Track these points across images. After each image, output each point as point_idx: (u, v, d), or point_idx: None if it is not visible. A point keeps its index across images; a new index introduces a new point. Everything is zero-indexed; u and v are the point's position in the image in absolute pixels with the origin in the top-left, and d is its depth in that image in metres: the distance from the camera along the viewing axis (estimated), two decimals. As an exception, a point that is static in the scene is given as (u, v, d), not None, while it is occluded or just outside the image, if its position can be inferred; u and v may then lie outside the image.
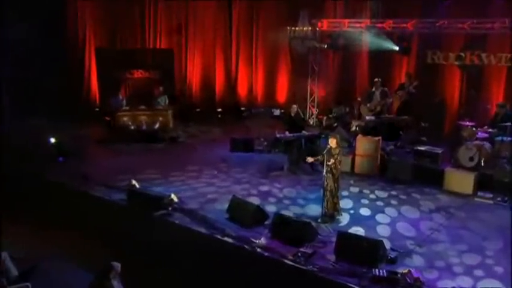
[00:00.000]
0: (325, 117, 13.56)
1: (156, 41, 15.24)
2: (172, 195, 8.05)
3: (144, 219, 7.65)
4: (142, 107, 12.44)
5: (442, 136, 11.30)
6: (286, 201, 8.33)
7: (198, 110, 15.14)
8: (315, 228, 6.91)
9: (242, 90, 15.97)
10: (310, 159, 7.77)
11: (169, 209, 7.79)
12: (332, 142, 7.41)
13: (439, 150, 9.63)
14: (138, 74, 14.27)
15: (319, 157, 7.59)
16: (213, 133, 13.31)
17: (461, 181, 8.91)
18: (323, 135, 10.52)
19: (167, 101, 12.92)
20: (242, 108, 15.17)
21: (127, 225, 7.65)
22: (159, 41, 15.28)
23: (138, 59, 14.38)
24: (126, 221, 7.80)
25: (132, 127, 12.08)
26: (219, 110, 15.24)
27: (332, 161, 7.31)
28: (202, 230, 7.17)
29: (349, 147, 10.46)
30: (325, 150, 7.42)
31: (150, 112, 12.36)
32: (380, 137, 10.11)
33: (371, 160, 9.96)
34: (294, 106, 10.92)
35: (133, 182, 8.60)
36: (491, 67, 11.20)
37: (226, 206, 7.76)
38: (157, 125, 12.28)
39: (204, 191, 8.71)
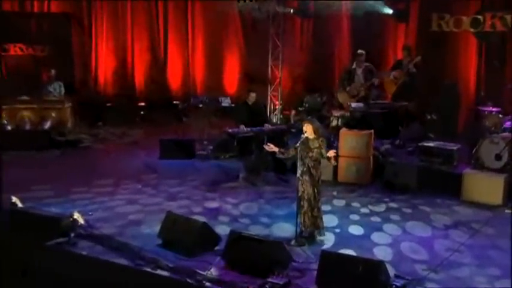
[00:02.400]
0: (293, 112, 13.70)
1: (44, 1, 14.96)
2: (76, 215, 7.83)
3: (33, 250, 7.35)
4: (25, 97, 12.19)
5: (457, 128, 11.70)
6: (244, 220, 8.38)
7: (109, 104, 15.13)
8: (288, 252, 6.88)
9: (174, 77, 16.04)
10: (271, 147, 7.74)
11: (71, 235, 7.57)
12: (308, 129, 7.45)
13: (454, 147, 9.91)
14: (17, 50, 13.96)
15: (290, 150, 7.65)
16: (134, 135, 13.33)
17: (486, 187, 9.18)
18: (293, 129, 10.61)
19: (63, 91, 12.75)
20: (175, 102, 15.18)
21: (7, 261, 7.32)
22: (48, 1, 15.02)
23: (16, 27, 14.02)
24: (5, 255, 7.46)
25: (10, 127, 11.78)
26: (141, 104, 15.31)
27: (311, 155, 7.34)
28: (124, 262, 6.99)
29: (328, 147, 10.56)
30: (299, 142, 7.44)
31: (37, 105, 12.22)
32: (372, 131, 10.33)
33: (360, 163, 10.12)
34: (253, 93, 10.99)
35: (14, 199, 8.37)
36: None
37: (157, 228, 7.66)
38: (48, 124, 12.12)
39: (124, 211, 8.70)
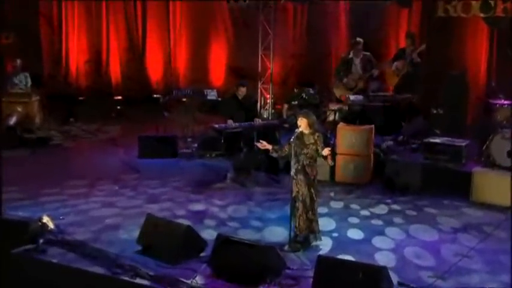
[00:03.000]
0: (286, 106, 13.67)
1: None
2: (45, 219, 7.85)
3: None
4: (-14, 90, 12.15)
5: (465, 123, 11.76)
6: (233, 224, 8.41)
7: (82, 98, 15.15)
8: (282, 258, 6.89)
9: (154, 68, 16.05)
10: (264, 144, 7.75)
11: (40, 241, 7.54)
12: (302, 123, 7.46)
13: (462, 143, 9.98)
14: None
15: (284, 147, 7.64)
16: (109, 132, 13.33)
17: (497, 187, 9.18)
18: (286, 125, 10.62)
19: (29, 82, 12.71)
20: (156, 95, 15.15)
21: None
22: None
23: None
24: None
25: (-32, 123, 11.72)
26: (118, 98, 15.30)
27: (306, 151, 7.36)
28: (99, 270, 6.98)
29: (325, 144, 10.58)
30: (293, 137, 7.44)
31: (1, 99, 12.02)
32: (372, 126, 10.37)
33: (360, 161, 10.16)
34: (243, 87, 10.99)
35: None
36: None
37: (136, 233, 7.66)
38: (13, 120, 12.07)
39: (99, 215, 8.71)
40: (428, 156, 10.05)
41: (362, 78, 12.13)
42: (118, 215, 8.69)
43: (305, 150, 7.42)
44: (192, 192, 9.67)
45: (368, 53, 12.32)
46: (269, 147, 7.75)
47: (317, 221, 7.68)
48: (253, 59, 14.43)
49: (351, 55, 12.33)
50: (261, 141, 7.86)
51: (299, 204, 7.48)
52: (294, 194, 7.48)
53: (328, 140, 10.79)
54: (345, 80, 12.22)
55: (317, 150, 7.47)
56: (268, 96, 14.47)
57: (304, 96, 13.19)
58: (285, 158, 7.93)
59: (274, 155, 7.88)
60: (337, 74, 12.53)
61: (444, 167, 9.82)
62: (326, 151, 7.46)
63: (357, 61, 12.26)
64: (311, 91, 13.40)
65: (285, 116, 13.30)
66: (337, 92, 12.39)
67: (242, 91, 10.99)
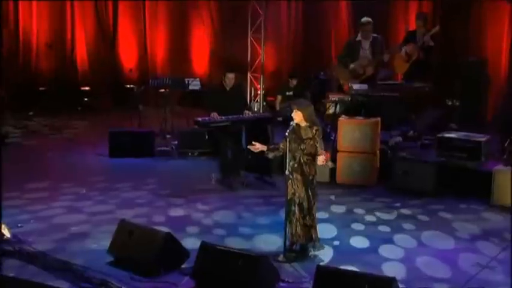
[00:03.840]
0: (279, 97, 13.68)
1: None
2: (3, 229, 7.84)
3: None
4: None
5: (485, 116, 11.79)
6: (219, 232, 8.43)
7: (42, 88, 15.19)
8: (276, 269, 6.89)
9: (127, 54, 16.12)
10: (257, 146, 7.75)
11: (-5, 253, 7.56)
12: (297, 116, 7.45)
13: (482, 138, 10.00)
14: None
15: (281, 145, 7.61)
16: (75, 128, 13.34)
17: (521, 188, 9.28)
18: (279, 118, 10.63)
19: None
20: (129, 85, 15.17)
21: None
22: None
23: None
24: None
25: None
26: (85, 88, 15.34)
27: (303, 147, 7.35)
28: (64, 285, 6.93)
29: (324, 139, 10.62)
30: (288, 131, 7.44)
31: None
32: (378, 119, 10.38)
33: (364, 160, 10.20)
34: (230, 74, 10.89)
35: None
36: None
37: (107, 242, 7.64)
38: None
39: (64, 222, 8.70)
40: (443, 154, 10.09)
41: (371, 64, 12.07)
42: (85, 221, 8.67)
43: (302, 146, 7.39)
44: (172, 196, 9.67)
45: (379, 35, 12.27)
46: (263, 148, 7.74)
47: (316, 228, 7.65)
48: (242, 45, 14.46)
49: (359, 37, 12.24)
50: (253, 142, 7.82)
51: (295, 208, 7.46)
52: (289, 197, 7.45)
53: (328, 135, 10.84)
54: (351, 66, 12.10)
55: (316, 147, 7.47)
56: (259, 86, 14.50)
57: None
58: (281, 157, 7.89)
59: (270, 155, 7.82)
60: (342, 59, 12.45)
61: (461, 166, 9.85)
62: (321, 159, 7.46)
63: (366, 44, 12.16)
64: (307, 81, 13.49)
65: (277, 108, 13.32)
66: (341, 77, 12.31)
67: (230, 79, 10.78)
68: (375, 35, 12.20)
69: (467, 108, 11.71)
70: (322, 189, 8.92)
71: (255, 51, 14.48)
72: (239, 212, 9.07)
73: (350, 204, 9.39)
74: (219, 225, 8.60)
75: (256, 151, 7.83)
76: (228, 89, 10.73)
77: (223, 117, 10.25)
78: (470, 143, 10.00)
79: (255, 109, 14.09)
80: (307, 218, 7.52)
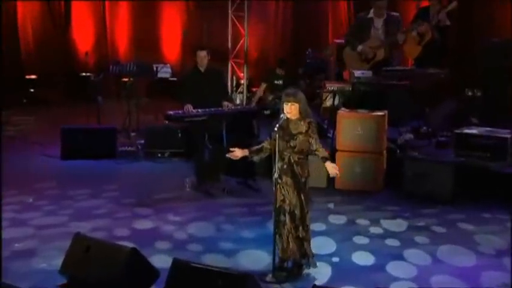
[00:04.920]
0: (263, 85, 13.62)
1: None
2: None
3: None
4: None
5: (511, 109, 11.84)
6: (195, 247, 8.42)
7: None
8: (261, 289, 6.91)
9: (82, 36, 16.20)
10: (237, 154, 7.71)
11: None
12: (293, 110, 7.41)
13: (507, 135, 10.06)
14: None
15: (264, 144, 7.60)
16: (20, 124, 13.43)
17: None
18: (267, 111, 10.65)
19: None
20: (85, 73, 15.16)
21: None
22: None
23: None
24: None
25: None
26: (31, 77, 15.42)
27: (293, 144, 7.35)
28: (7, 312, 6.98)
29: (320, 136, 10.65)
30: (277, 126, 7.40)
31: None
32: (385, 113, 10.41)
33: (368, 161, 10.26)
34: (202, 51, 10.75)
35: None
36: None
37: (59, 261, 7.56)
38: None
39: (5, 237, 8.46)
40: (462, 153, 10.15)
41: (383, 46, 12.08)
42: (32, 236, 8.64)
43: (292, 143, 7.35)
44: (138, 205, 9.66)
45: (395, 13, 12.30)
46: (245, 153, 7.67)
47: (310, 241, 7.64)
48: (222, 25, 14.50)
49: (371, 14, 12.21)
50: (231, 149, 7.76)
51: (286, 218, 7.43)
52: (278, 204, 7.42)
53: (325, 132, 10.84)
54: (360, 47, 12.08)
55: (310, 143, 7.44)
56: (242, 74, 14.52)
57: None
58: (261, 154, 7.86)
59: (255, 159, 7.78)
60: (350, 39, 12.47)
61: (483, 168, 9.89)
62: (332, 170, 7.38)
63: (379, 23, 12.17)
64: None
65: (257, 97, 13.28)
66: (348, 59, 12.27)
67: (202, 57, 10.54)
68: (391, 12, 12.22)
69: (490, 99, 11.75)
70: (318, 196, 9.09)
71: (237, 32, 14.51)
72: (219, 224, 9.01)
73: (351, 213, 9.32)
74: (195, 240, 8.56)
75: (236, 159, 7.77)
76: (202, 70, 10.61)
77: (199, 111, 10.19)
78: (493, 140, 10.06)
79: (238, 101, 14.08)
80: (300, 229, 7.49)
